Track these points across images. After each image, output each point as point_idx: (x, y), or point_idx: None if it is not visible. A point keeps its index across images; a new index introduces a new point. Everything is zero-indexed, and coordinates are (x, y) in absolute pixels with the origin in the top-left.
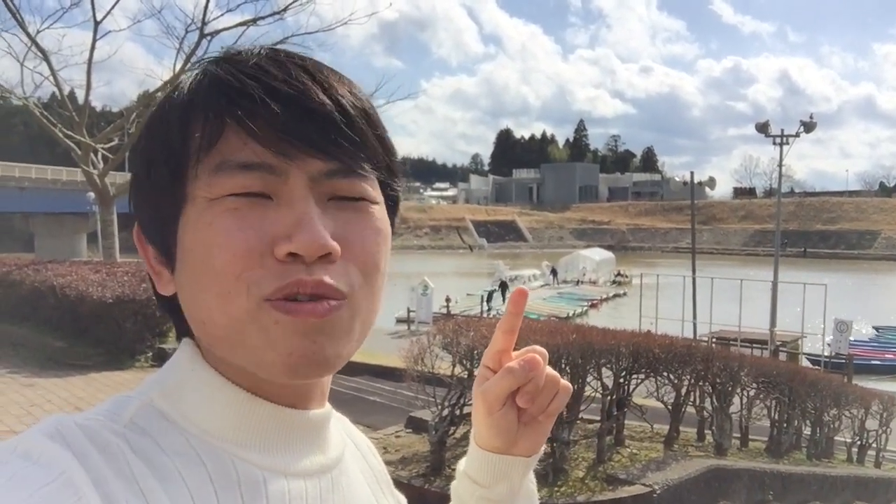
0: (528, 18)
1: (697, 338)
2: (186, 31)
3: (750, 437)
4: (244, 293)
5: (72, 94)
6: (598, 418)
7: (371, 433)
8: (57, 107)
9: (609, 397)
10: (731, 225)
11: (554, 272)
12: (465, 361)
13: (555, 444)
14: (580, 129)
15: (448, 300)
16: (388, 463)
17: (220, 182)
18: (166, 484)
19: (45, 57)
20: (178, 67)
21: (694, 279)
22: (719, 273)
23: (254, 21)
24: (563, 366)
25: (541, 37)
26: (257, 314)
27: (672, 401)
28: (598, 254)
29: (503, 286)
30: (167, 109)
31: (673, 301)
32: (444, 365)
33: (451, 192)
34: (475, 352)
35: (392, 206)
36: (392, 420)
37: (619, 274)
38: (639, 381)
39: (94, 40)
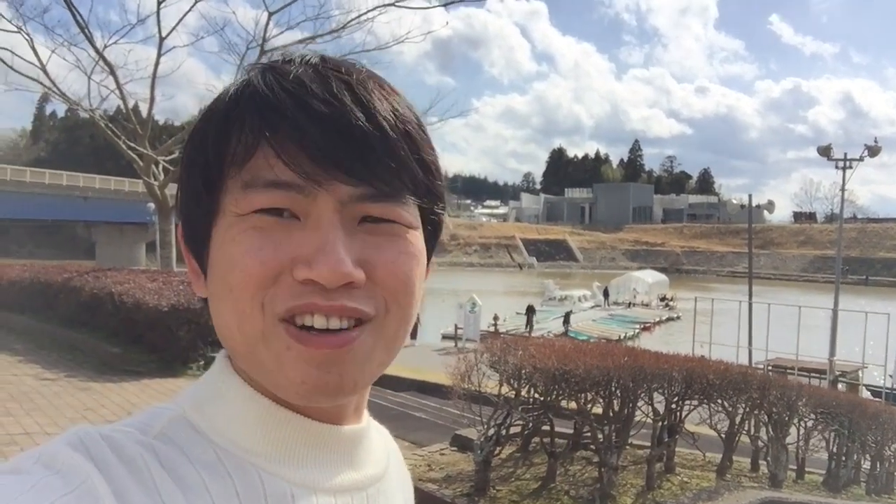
0: (581, 37)
1: (753, 365)
2: (247, 48)
3: (806, 469)
4: (259, 313)
5: (135, 108)
6: (648, 444)
7: (415, 450)
8: (122, 119)
9: (660, 423)
10: (789, 250)
11: (606, 293)
12: (512, 381)
13: (602, 469)
14: (635, 149)
15: (496, 318)
16: (431, 481)
17: (248, 199)
18: (191, 496)
19: (112, 71)
20: None
21: (750, 304)
22: (777, 299)
23: (312, 39)
24: (614, 389)
25: (594, 55)
26: (271, 336)
27: (725, 429)
28: (650, 276)
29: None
30: (209, 118)
31: (727, 327)
32: (490, 384)
33: (501, 210)
34: (522, 371)
35: (432, 230)
36: (437, 437)
37: (664, 298)
38: (692, 407)
39: (159, 56)
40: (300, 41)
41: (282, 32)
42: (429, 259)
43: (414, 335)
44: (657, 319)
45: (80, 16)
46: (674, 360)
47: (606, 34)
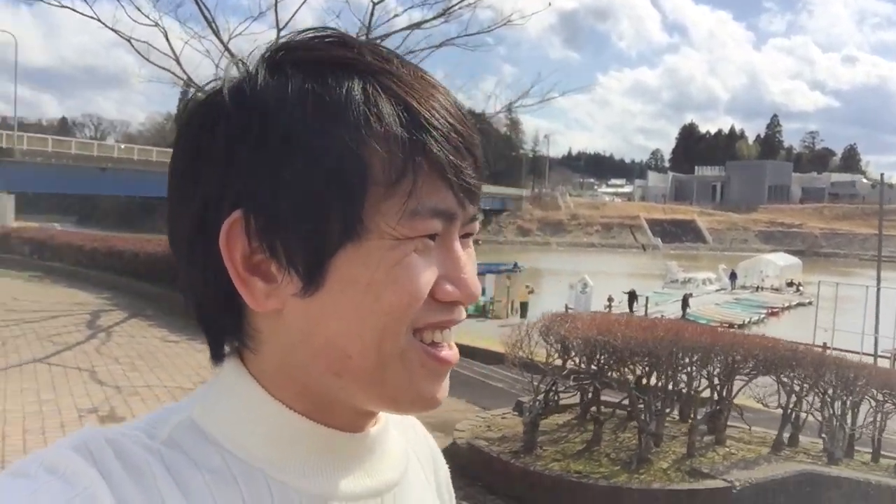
0: (716, 4)
1: (879, 353)
2: (359, 36)
3: (883, 452)
4: (404, 331)
5: None
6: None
7: (481, 413)
8: None
9: (709, 395)
10: None
11: (733, 276)
12: (559, 350)
13: (641, 435)
14: (773, 124)
15: (611, 300)
16: (486, 439)
17: (415, 224)
18: None
19: (236, 62)
20: None
21: (878, 289)
22: None
23: (418, 25)
24: (655, 360)
25: (730, 24)
26: (409, 353)
27: (776, 405)
28: (782, 259)
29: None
30: (321, 117)
31: (856, 313)
32: (543, 353)
33: (626, 189)
34: (567, 342)
35: None
36: (505, 403)
37: (791, 283)
38: (744, 382)
39: None
40: (408, 27)
41: (391, 18)
42: None
43: (524, 314)
44: (786, 304)
45: (207, 10)
46: (717, 335)
47: (744, 1)
